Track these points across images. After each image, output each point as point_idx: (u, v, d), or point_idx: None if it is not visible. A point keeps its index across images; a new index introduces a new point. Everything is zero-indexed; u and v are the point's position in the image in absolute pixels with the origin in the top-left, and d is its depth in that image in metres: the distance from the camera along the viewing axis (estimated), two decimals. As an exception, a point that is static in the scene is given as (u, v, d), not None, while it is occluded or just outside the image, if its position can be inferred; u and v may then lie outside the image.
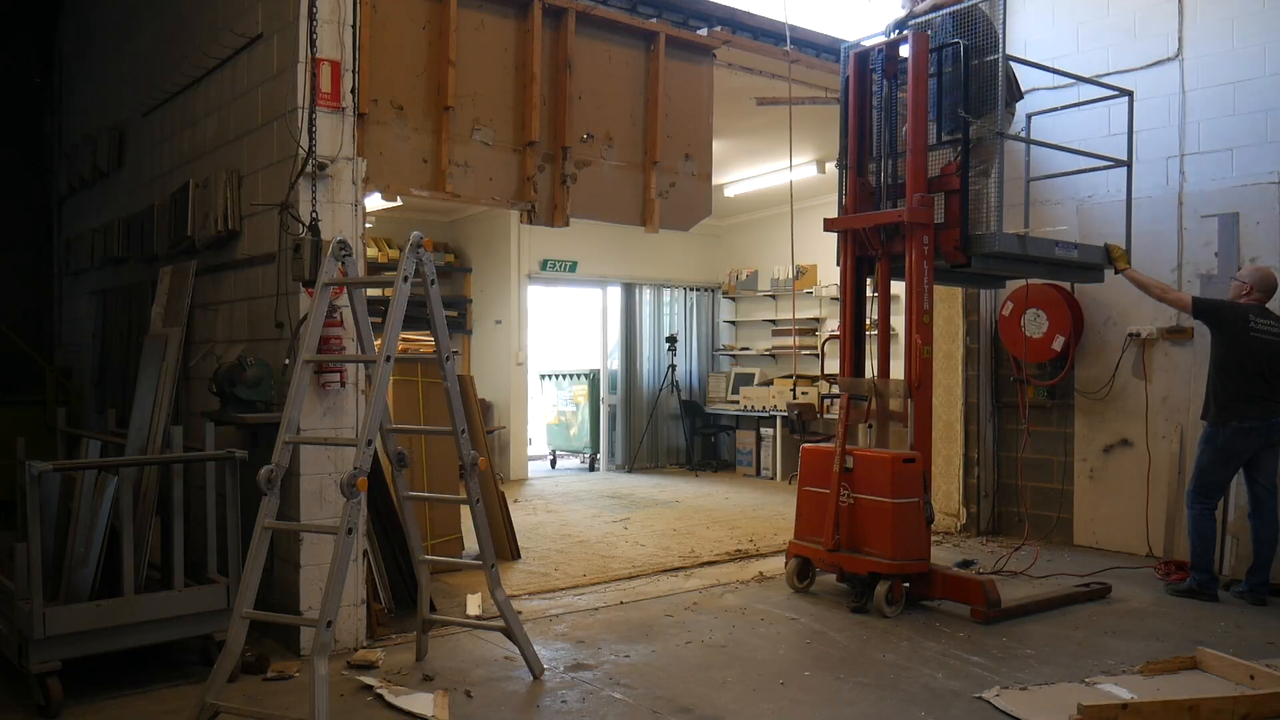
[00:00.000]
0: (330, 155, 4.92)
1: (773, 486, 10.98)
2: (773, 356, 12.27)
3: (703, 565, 6.88)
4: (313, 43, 4.84)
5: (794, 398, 11.11)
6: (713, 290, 13.24)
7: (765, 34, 6.93)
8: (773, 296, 12.32)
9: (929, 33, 5.87)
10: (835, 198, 6.40)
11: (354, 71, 5.06)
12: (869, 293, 6.25)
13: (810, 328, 11.77)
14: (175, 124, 6.48)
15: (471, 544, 6.72)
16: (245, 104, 5.48)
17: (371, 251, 10.65)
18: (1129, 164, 6.53)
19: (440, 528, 6.65)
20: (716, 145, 6.84)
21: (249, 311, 5.42)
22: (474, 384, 7.45)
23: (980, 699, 4.19)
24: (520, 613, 5.11)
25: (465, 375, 7.20)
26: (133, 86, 7.32)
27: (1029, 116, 7.03)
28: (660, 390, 12.45)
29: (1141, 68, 7.13)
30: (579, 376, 12.31)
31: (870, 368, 6.31)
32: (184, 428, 5.15)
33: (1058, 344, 7.34)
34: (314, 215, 4.85)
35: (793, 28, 7.11)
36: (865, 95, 6.17)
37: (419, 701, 4.10)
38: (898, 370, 6.03)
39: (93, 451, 4.62)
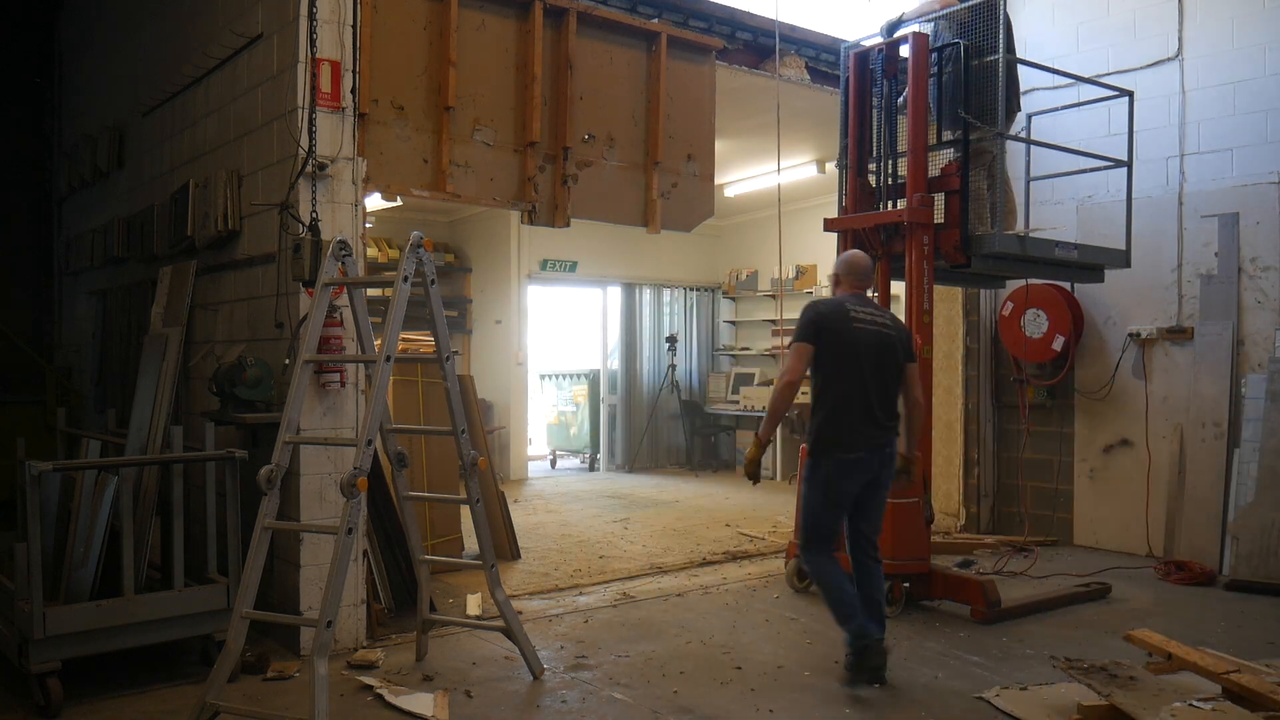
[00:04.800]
0: (330, 155, 4.92)
1: (773, 486, 10.97)
2: (773, 356, 12.27)
3: (703, 565, 6.88)
4: (313, 43, 4.84)
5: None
6: (713, 290, 13.24)
7: (765, 34, 6.93)
8: (772, 296, 12.33)
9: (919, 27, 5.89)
10: (835, 198, 6.40)
11: (354, 71, 5.06)
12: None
13: (810, 328, 11.75)
14: (175, 124, 6.48)
15: (471, 544, 6.72)
16: (245, 104, 5.48)
17: (371, 251, 10.65)
18: (1129, 164, 6.53)
19: (440, 528, 6.65)
20: (717, 145, 6.84)
21: (249, 311, 5.42)
22: (474, 384, 7.45)
23: (980, 699, 4.19)
24: (520, 613, 5.11)
25: (465, 375, 7.19)
26: (133, 86, 7.33)
27: (1029, 116, 7.03)
28: (660, 390, 12.45)
29: (1141, 68, 7.14)
30: (579, 376, 12.31)
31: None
32: (184, 428, 5.15)
33: (1058, 344, 7.35)
34: (314, 215, 4.85)
35: (792, 28, 7.11)
36: (865, 95, 6.17)
37: (419, 701, 4.10)
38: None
39: (93, 451, 4.62)
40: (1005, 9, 5.72)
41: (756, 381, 12.17)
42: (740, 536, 7.93)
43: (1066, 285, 7.27)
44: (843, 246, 6.16)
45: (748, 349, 12.80)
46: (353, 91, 5.06)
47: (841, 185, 6.28)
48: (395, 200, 8.62)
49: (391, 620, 5.29)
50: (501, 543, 6.87)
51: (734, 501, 9.89)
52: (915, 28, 5.97)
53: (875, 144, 6.10)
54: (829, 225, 6.21)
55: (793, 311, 11.72)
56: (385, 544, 5.45)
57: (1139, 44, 7.20)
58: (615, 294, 12.52)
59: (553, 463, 12.70)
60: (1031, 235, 6.11)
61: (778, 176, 8.11)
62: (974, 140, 5.78)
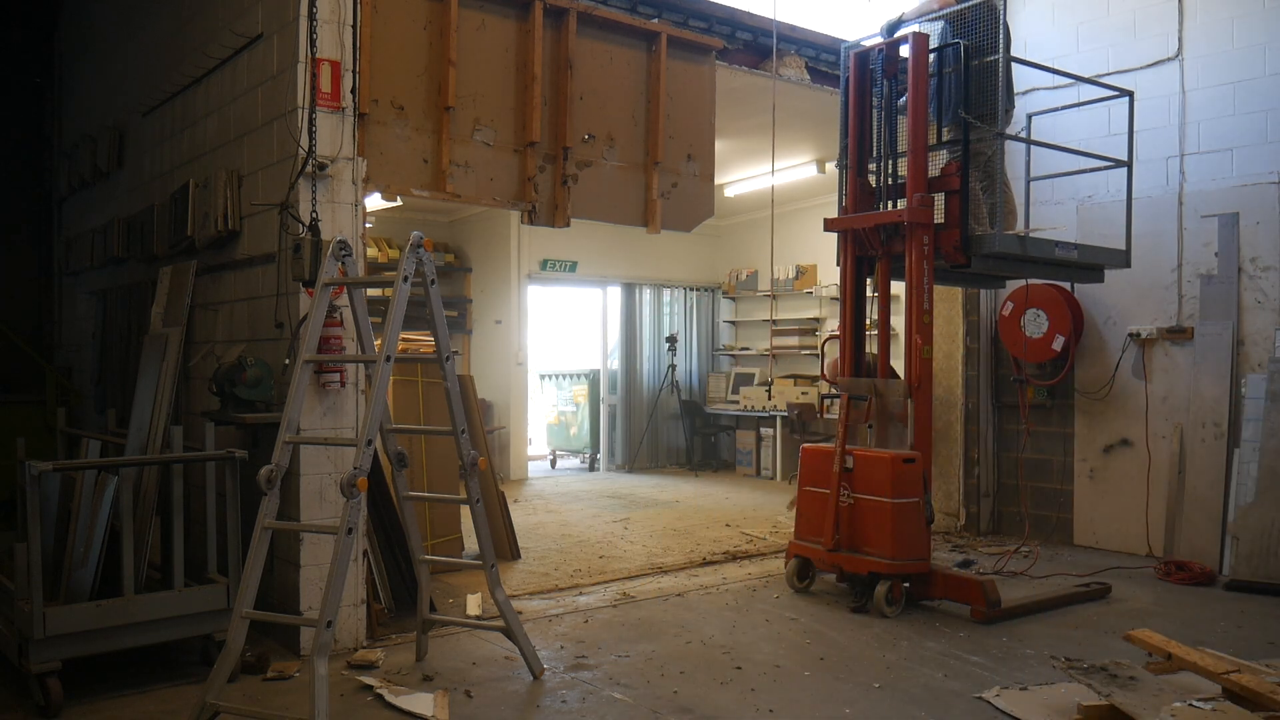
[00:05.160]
0: (330, 155, 4.92)
1: (773, 486, 10.98)
2: (773, 357, 12.27)
3: (703, 565, 6.88)
4: (313, 43, 4.84)
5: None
6: (713, 290, 13.24)
7: (765, 34, 6.94)
8: (773, 296, 12.33)
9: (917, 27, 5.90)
10: (835, 198, 6.40)
11: (354, 71, 5.06)
12: (869, 293, 6.25)
13: (810, 328, 11.78)
14: (175, 124, 6.48)
15: (471, 544, 6.72)
16: (245, 104, 5.48)
17: (371, 251, 10.65)
18: (1129, 164, 6.53)
19: (440, 528, 6.65)
20: (717, 145, 6.84)
21: (249, 311, 5.42)
22: (474, 384, 7.45)
23: (980, 699, 4.19)
24: (520, 613, 5.11)
25: (465, 375, 7.19)
26: (133, 86, 7.33)
27: (1029, 116, 7.03)
28: (660, 390, 12.45)
29: (1141, 68, 7.14)
30: (579, 376, 12.32)
31: (870, 368, 6.31)
32: (184, 428, 5.15)
33: (1058, 344, 7.34)
34: (314, 215, 4.85)
35: (792, 28, 7.11)
36: (865, 95, 6.17)
37: (419, 701, 4.10)
38: (898, 370, 6.04)
39: (93, 451, 4.62)
40: (1005, 11, 5.72)
41: (756, 381, 12.17)
42: (740, 536, 7.94)
43: (1066, 285, 7.27)
44: (843, 246, 6.17)
45: (748, 349, 12.80)
46: (353, 91, 5.06)
47: (841, 185, 6.28)
48: (395, 200, 8.62)
49: (391, 620, 5.28)
50: (501, 543, 6.87)
51: (734, 501, 9.89)
52: (915, 28, 5.98)
53: (875, 144, 6.10)
54: (829, 225, 6.21)
55: (790, 312, 11.82)
56: (385, 544, 5.45)
57: (1139, 44, 7.20)
58: (615, 294, 12.52)
59: (553, 463, 12.70)
60: (1031, 235, 6.11)
61: (772, 178, 8.12)
62: (972, 140, 5.78)
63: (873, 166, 6.12)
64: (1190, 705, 3.67)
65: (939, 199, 5.89)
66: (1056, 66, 6.87)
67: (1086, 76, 6.88)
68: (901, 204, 5.87)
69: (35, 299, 9.79)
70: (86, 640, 4.16)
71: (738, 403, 12.08)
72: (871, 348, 6.32)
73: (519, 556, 7.01)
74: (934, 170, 5.94)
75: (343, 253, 4.33)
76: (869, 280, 6.23)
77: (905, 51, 5.92)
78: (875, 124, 6.12)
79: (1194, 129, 6.93)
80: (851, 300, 6.17)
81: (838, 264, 6.28)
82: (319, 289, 4.26)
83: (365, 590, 5.00)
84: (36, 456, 4.57)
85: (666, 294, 12.80)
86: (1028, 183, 7.00)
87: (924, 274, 5.68)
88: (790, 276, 11.89)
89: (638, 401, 12.41)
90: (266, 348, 5.16)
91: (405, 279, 4.11)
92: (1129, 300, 7.19)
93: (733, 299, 13.10)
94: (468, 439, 4.49)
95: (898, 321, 6.22)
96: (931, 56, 5.87)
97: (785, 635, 5.18)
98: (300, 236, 4.77)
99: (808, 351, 11.67)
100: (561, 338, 13.84)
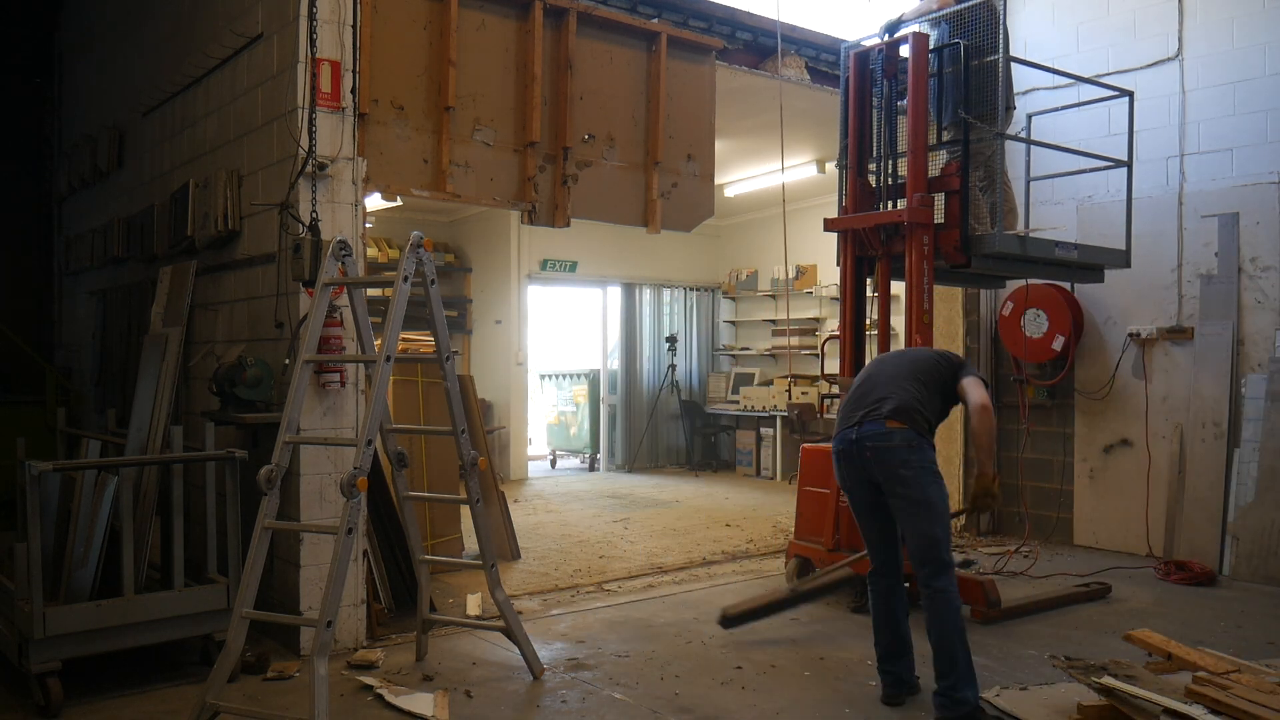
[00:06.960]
0: (330, 155, 4.92)
1: (773, 486, 10.98)
2: (773, 356, 12.28)
3: (703, 565, 6.89)
4: (313, 43, 4.84)
5: (789, 397, 11.16)
6: (713, 290, 13.24)
7: (765, 34, 6.94)
8: (773, 296, 12.34)
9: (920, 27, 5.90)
10: (835, 198, 6.40)
11: (354, 71, 5.06)
12: (869, 293, 6.25)
13: (810, 328, 11.78)
14: (175, 124, 6.48)
15: (471, 544, 6.72)
16: (245, 104, 5.48)
17: (371, 251, 10.65)
18: (1129, 164, 6.52)
19: (440, 528, 6.65)
20: (717, 145, 6.84)
21: (249, 311, 5.42)
22: (474, 384, 7.45)
23: (980, 699, 4.18)
24: (520, 613, 5.11)
25: (465, 375, 7.19)
26: (133, 86, 7.33)
27: (1029, 116, 7.03)
28: (660, 390, 12.46)
29: (1141, 68, 7.14)
30: (579, 376, 12.32)
31: (870, 368, 6.30)
32: (184, 428, 5.15)
33: (1058, 344, 7.34)
34: (314, 215, 4.85)
35: (792, 28, 7.11)
36: (865, 95, 6.17)
37: (419, 701, 4.10)
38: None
39: (93, 451, 4.62)
40: (1005, 11, 5.72)
41: (756, 381, 12.18)
42: (740, 536, 7.94)
43: (1066, 285, 7.27)
44: (843, 246, 6.17)
45: (748, 349, 12.80)
46: (353, 91, 5.06)
47: (841, 185, 6.27)
48: (395, 200, 8.62)
49: (391, 620, 5.29)
50: (501, 543, 6.87)
51: (734, 501, 9.89)
52: (915, 28, 5.98)
53: (875, 144, 6.09)
54: (829, 225, 6.21)
55: (796, 311, 11.82)
56: (385, 544, 5.45)
57: (1139, 44, 7.19)
58: (615, 294, 12.52)
59: (553, 463, 12.70)
60: (1031, 235, 6.11)
61: (782, 176, 8.12)
62: (973, 141, 5.78)
63: (873, 166, 6.11)
64: (1190, 705, 3.66)
65: (939, 199, 5.89)
66: (1056, 66, 6.87)
67: (1086, 76, 6.87)
68: (901, 204, 5.86)
69: (35, 299, 9.78)
70: (86, 640, 4.16)
71: (738, 403, 12.08)
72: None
73: (519, 556, 7.01)
74: (934, 170, 5.94)
75: (343, 253, 4.33)
76: (869, 280, 6.23)
77: (905, 52, 5.92)
78: (875, 124, 6.12)
79: (1194, 129, 6.93)
80: (851, 300, 6.17)
81: (838, 264, 6.27)
82: (319, 289, 4.26)
83: (365, 590, 5.00)
84: (37, 456, 4.56)
85: (666, 294, 12.80)
86: (1028, 183, 6.99)
87: (924, 274, 5.68)
88: (790, 276, 11.90)
89: (638, 401, 12.41)
90: (266, 348, 5.16)
91: (405, 279, 4.11)
92: (1129, 300, 7.19)
93: (733, 299, 13.10)
94: (468, 439, 4.49)
95: (898, 321, 6.21)
96: (931, 57, 5.87)
97: (785, 635, 5.18)
98: (300, 236, 4.77)
99: (808, 351, 11.67)
100: (561, 338, 13.84)
